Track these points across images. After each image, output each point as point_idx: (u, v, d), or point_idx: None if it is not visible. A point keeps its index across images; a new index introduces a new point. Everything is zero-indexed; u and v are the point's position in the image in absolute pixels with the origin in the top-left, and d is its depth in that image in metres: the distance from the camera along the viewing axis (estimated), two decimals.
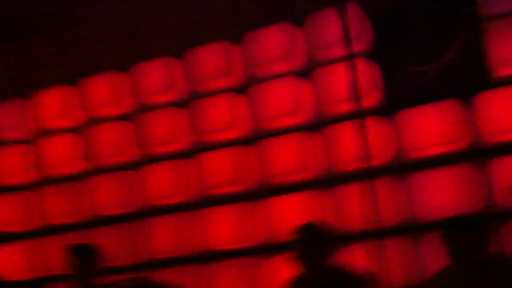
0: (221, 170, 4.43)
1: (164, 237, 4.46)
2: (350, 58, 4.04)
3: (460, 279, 2.81)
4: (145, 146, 4.75)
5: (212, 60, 4.64)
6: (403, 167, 3.94)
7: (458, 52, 3.76)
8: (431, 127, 3.84)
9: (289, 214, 4.16)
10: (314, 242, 3.19)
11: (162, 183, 4.61)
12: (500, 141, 3.73)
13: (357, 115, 4.01)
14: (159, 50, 4.82)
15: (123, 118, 4.90)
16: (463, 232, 2.87)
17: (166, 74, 4.79)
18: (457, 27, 3.78)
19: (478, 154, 3.77)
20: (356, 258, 3.83)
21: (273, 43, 4.45)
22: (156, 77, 4.82)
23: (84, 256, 3.62)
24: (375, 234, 3.77)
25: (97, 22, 4.95)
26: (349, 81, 4.05)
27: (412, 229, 3.86)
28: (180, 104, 4.74)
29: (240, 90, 4.54)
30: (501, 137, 3.71)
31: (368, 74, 4.05)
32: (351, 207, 3.97)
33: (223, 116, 4.52)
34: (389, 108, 4.02)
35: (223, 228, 4.33)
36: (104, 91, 4.96)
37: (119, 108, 4.93)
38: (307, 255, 3.16)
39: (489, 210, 3.67)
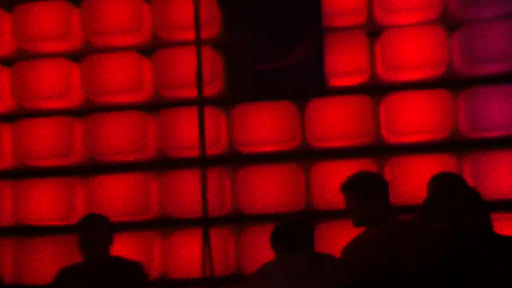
0: (45, 141, 4.58)
1: None
2: (196, 43, 4.40)
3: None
4: None
5: (47, 19, 4.71)
6: (233, 160, 4.45)
7: (300, 56, 4.31)
8: (263, 124, 4.37)
9: (116, 194, 4.46)
10: (95, 232, 3.58)
11: None
12: (326, 146, 4.38)
13: (196, 102, 4.41)
14: None
15: None
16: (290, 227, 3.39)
17: None
18: (304, 32, 4.31)
19: (303, 156, 4.39)
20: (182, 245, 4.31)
21: (116, 13, 4.64)
22: None
23: None
24: (201, 222, 4.23)
25: None
26: (193, 67, 4.41)
27: (236, 220, 4.40)
28: (5, 62, 4.76)
29: (75, 57, 4.69)
30: (328, 142, 4.36)
31: (211, 63, 4.45)
32: (179, 194, 4.39)
33: (53, 83, 4.64)
34: (227, 100, 4.48)
35: (42, 202, 4.51)
36: None
37: None
38: (88, 244, 3.55)
39: (309, 209, 4.33)
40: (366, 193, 3.30)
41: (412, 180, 4.21)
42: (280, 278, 3.17)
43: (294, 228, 3.32)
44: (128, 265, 3.60)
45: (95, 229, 3.60)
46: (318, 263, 3.24)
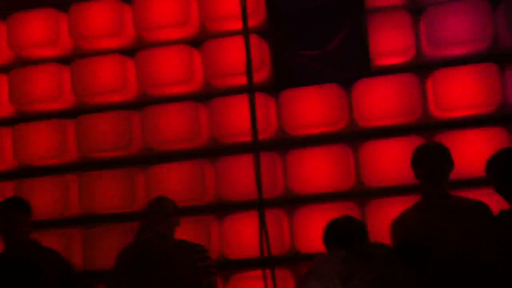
0: (106, 134, 4.91)
1: (45, 199, 4.90)
2: (244, 33, 4.61)
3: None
4: (23, 104, 5.10)
5: (101, 18, 5.03)
6: (285, 143, 4.67)
7: (343, 40, 4.48)
8: (312, 108, 4.57)
9: (172, 181, 4.76)
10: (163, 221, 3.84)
11: (42, 143, 5.00)
12: (374, 126, 4.54)
13: (246, 90, 4.63)
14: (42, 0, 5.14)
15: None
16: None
17: (50, 27, 5.10)
18: (344, 16, 4.48)
19: (352, 136, 4.57)
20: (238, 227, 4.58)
21: (166, 8, 4.91)
22: (39, 29, 5.12)
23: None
24: (256, 205, 4.47)
25: None
26: (240, 55, 4.63)
27: (289, 201, 4.63)
28: (64, 61, 5.11)
29: (129, 52, 5.00)
30: (376, 122, 4.52)
31: (258, 51, 4.66)
32: (233, 178, 4.65)
33: (109, 78, 4.96)
34: (275, 86, 4.70)
35: (106, 192, 4.86)
36: None
37: None
38: (157, 223, 3.83)
39: (360, 188, 4.52)
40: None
41: (462, 155, 4.31)
42: (332, 278, 3.33)
43: (345, 226, 3.47)
44: (192, 247, 3.86)
45: (164, 209, 3.86)
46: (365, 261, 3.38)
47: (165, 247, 3.82)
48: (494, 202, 3.68)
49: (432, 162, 3.49)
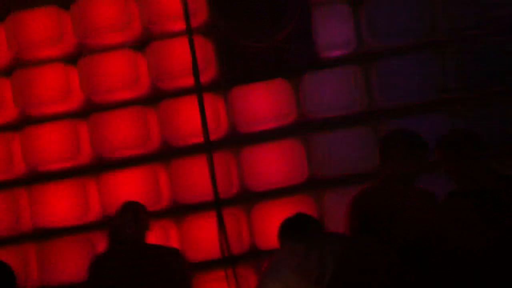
0: (52, 145, 4.83)
1: None
2: (187, 33, 4.63)
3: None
4: None
5: (40, 26, 4.94)
6: (237, 141, 4.70)
7: (289, 33, 4.55)
8: (261, 104, 4.63)
9: (126, 189, 4.73)
10: (132, 221, 3.84)
11: None
12: (321, 118, 4.63)
13: (194, 91, 4.66)
14: None
15: None
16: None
17: None
18: (289, 9, 4.55)
19: (303, 130, 4.65)
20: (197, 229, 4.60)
21: (106, 12, 4.86)
22: None
23: None
24: (213, 205, 4.50)
25: None
26: (185, 56, 4.65)
27: (246, 199, 4.67)
28: (3, 73, 4.99)
29: (71, 60, 4.92)
30: (325, 114, 4.61)
31: (202, 50, 4.68)
32: (188, 181, 4.66)
33: (53, 88, 4.88)
34: (222, 85, 4.72)
35: (58, 204, 4.78)
36: None
37: None
38: (127, 230, 3.81)
39: (314, 179, 4.60)
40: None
41: None
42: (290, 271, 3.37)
43: (299, 222, 3.51)
44: (166, 251, 3.86)
45: (134, 215, 3.86)
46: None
47: (141, 253, 3.78)
48: None
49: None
